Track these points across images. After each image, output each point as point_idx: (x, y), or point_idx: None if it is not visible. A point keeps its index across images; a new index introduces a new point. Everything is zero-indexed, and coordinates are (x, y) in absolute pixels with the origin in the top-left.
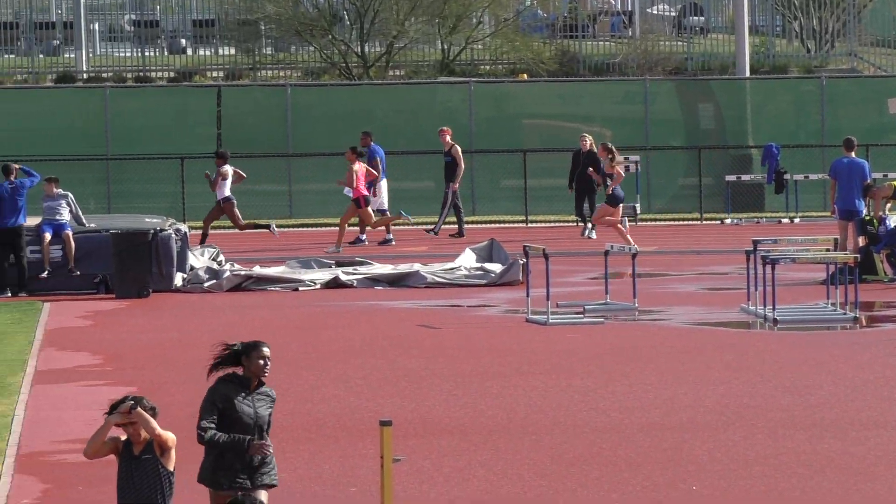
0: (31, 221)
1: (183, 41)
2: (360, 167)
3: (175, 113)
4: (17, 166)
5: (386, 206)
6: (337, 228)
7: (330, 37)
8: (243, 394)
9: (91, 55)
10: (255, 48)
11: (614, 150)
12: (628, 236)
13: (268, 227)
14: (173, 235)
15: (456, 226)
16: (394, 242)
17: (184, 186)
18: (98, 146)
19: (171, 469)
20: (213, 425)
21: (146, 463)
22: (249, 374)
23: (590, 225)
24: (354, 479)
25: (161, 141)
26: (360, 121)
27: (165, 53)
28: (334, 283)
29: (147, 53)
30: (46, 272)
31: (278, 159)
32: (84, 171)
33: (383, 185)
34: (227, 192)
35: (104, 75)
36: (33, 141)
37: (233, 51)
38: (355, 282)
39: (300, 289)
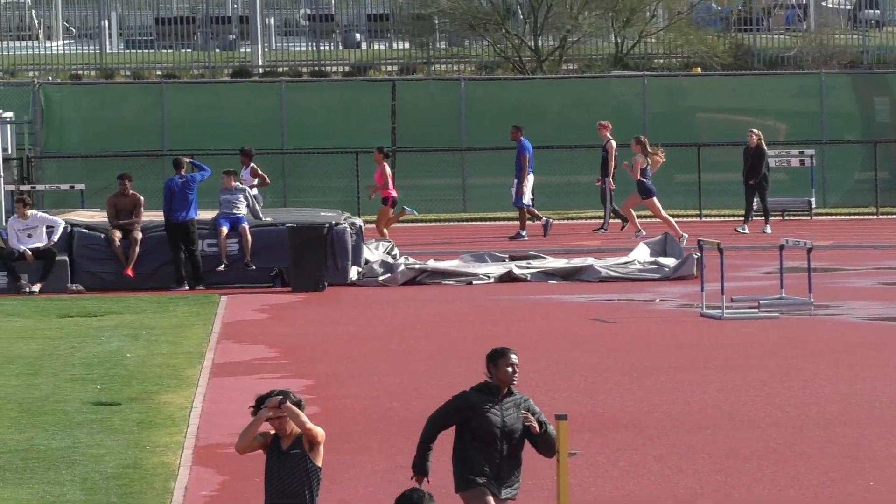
0: (206, 215)
1: (357, 35)
2: (388, 168)
3: (349, 107)
4: (187, 160)
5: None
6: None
7: (503, 31)
8: (491, 402)
9: (266, 49)
10: (429, 42)
11: (646, 142)
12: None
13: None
14: (348, 229)
15: (618, 220)
16: (525, 237)
17: (358, 180)
18: (274, 140)
19: (319, 464)
20: (432, 434)
21: (294, 458)
22: (497, 381)
23: (744, 227)
24: (531, 474)
25: (336, 135)
26: (533, 115)
27: (340, 48)
28: (508, 277)
29: (322, 48)
30: (223, 266)
31: (452, 153)
32: (260, 164)
33: (530, 180)
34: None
35: (279, 70)
36: (209, 135)
37: (407, 45)
38: (529, 276)
39: (474, 283)
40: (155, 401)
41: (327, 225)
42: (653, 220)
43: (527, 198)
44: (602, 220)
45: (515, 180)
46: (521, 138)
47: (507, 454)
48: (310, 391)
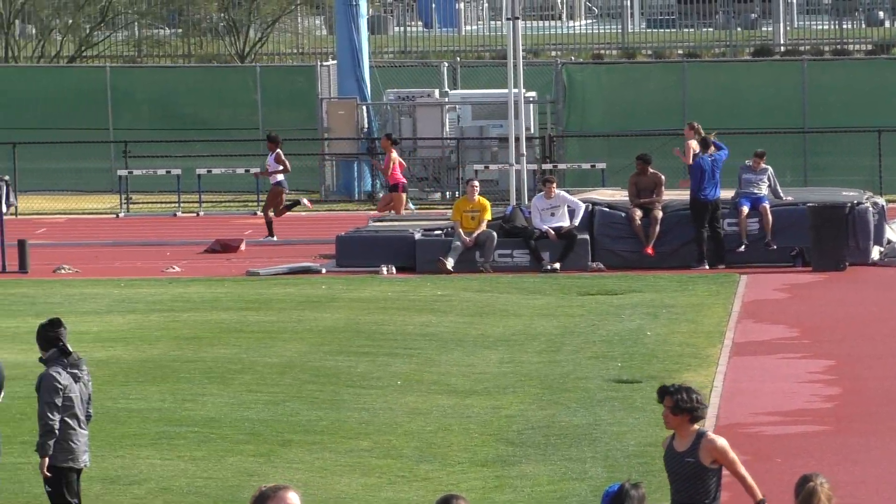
0: (726, 195)
1: (881, 13)
2: (395, 155)
3: (872, 86)
4: (712, 137)
5: None
6: None
7: None
8: None
9: (789, 28)
10: None
11: (699, 128)
12: None
13: (298, 202)
14: (870, 209)
15: None
16: None
17: (880, 159)
18: (795, 119)
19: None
20: None
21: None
22: None
23: None
24: None
25: (858, 114)
26: None
27: (863, 26)
28: None
29: (845, 26)
30: (743, 245)
31: None
32: (781, 144)
33: None
34: (280, 178)
35: (801, 48)
36: (730, 114)
37: None
38: None
39: None
40: (675, 379)
41: (849, 204)
42: None
43: None
44: None
45: None
46: None
47: None
48: (831, 372)
